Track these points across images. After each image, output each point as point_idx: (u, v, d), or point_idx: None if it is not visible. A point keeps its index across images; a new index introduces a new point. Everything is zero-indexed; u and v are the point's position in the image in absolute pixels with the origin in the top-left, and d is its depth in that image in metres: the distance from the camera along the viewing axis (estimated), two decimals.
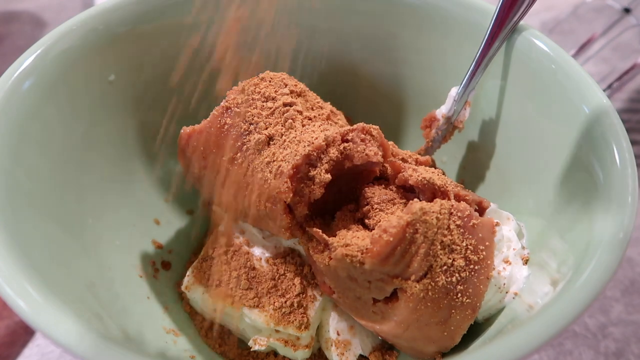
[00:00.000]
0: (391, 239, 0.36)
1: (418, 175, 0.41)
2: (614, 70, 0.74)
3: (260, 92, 0.44)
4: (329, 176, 0.40)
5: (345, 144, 0.41)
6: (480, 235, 0.38)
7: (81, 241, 0.42)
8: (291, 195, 0.40)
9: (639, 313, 0.53)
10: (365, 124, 0.42)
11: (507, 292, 0.40)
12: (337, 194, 0.44)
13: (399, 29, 0.51)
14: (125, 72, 0.48)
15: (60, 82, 0.43)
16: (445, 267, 0.37)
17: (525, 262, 0.41)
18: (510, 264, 0.40)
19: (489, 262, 0.38)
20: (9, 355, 0.50)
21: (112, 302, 0.40)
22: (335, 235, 0.41)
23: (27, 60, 0.41)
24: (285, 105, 0.44)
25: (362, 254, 0.37)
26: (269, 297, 0.43)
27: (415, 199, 0.39)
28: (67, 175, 0.43)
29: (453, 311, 0.37)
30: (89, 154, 0.46)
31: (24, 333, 0.51)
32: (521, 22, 0.44)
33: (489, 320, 0.41)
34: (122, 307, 0.41)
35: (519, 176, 0.45)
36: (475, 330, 0.40)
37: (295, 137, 0.42)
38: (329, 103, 0.48)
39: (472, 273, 0.37)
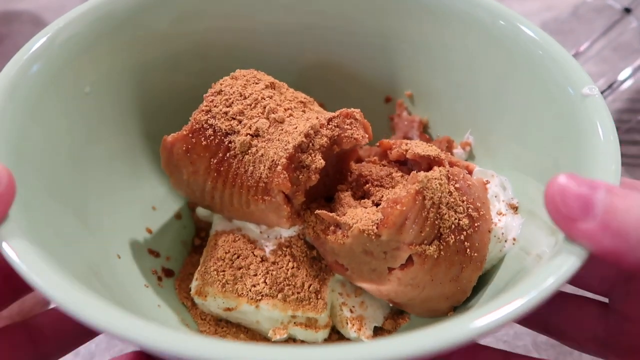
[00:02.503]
0: (404, 208, 0.38)
1: (413, 149, 0.43)
2: (614, 70, 0.74)
3: (236, 90, 0.45)
4: (322, 162, 0.42)
5: (333, 130, 0.43)
6: (477, 194, 0.42)
7: (90, 259, 0.41)
8: (289, 185, 0.41)
9: None
10: (347, 109, 0.44)
11: (506, 241, 0.43)
12: (326, 177, 0.46)
13: (394, 21, 0.52)
14: (134, 64, 0.48)
15: (66, 68, 0.43)
16: (453, 226, 0.40)
17: (515, 210, 0.45)
18: (504, 215, 0.44)
19: (487, 217, 0.42)
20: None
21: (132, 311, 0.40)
22: (339, 216, 0.42)
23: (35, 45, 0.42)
24: (264, 99, 0.45)
25: (377, 227, 0.39)
26: (283, 286, 0.44)
27: (413, 171, 0.41)
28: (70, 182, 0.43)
29: (464, 266, 0.41)
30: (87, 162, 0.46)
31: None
32: (511, 11, 0.46)
33: (493, 271, 0.44)
34: (140, 315, 0.41)
35: (499, 141, 0.49)
36: (481, 281, 0.43)
37: (282, 129, 0.43)
38: (300, 92, 0.49)
39: (476, 229, 0.41)
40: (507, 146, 0.47)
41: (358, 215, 0.40)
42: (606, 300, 0.41)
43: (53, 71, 0.42)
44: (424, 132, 0.55)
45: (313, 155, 0.42)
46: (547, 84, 0.43)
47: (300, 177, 0.42)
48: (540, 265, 0.34)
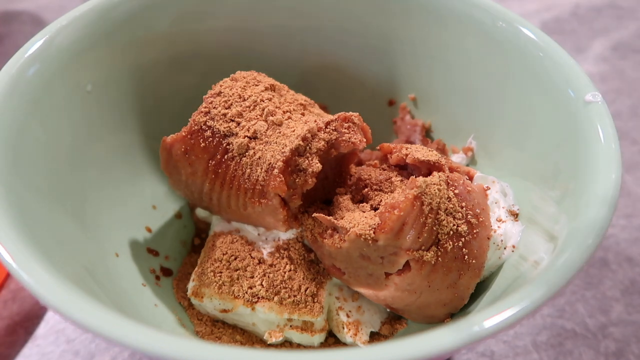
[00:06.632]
0: (402, 213, 0.38)
1: (413, 153, 0.43)
2: (613, 70, 0.74)
3: (236, 92, 0.45)
4: (319, 165, 0.42)
5: (330, 134, 0.43)
6: (476, 200, 0.42)
7: (85, 258, 0.41)
8: (285, 189, 0.41)
9: (639, 313, 0.54)
10: (346, 113, 0.44)
11: (505, 248, 0.43)
12: (324, 181, 0.46)
13: (397, 23, 0.52)
14: (133, 67, 0.49)
15: (67, 67, 0.44)
16: (451, 232, 0.39)
17: (516, 216, 0.44)
18: (504, 221, 0.44)
19: (487, 223, 0.42)
20: (9, 355, 0.50)
21: (127, 310, 0.40)
22: (337, 219, 0.42)
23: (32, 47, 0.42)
24: (263, 101, 0.45)
25: (374, 231, 0.39)
26: (279, 289, 0.44)
27: (412, 176, 0.41)
28: (67, 183, 0.43)
29: (462, 273, 0.40)
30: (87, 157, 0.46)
31: (24, 333, 0.51)
32: (511, 13, 0.46)
33: (491, 278, 0.44)
34: (136, 313, 0.41)
35: (501, 147, 0.48)
36: (479, 288, 0.43)
37: (280, 132, 0.43)
38: (300, 94, 0.49)
39: (475, 235, 0.41)
40: (509, 152, 0.47)
41: (356, 219, 0.40)
42: None
43: (54, 70, 0.43)
44: (427, 136, 0.54)
45: (310, 158, 0.42)
46: (548, 87, 0.42)
47: (297, 180, 0.42)
48: (536, 274, 0.34)
